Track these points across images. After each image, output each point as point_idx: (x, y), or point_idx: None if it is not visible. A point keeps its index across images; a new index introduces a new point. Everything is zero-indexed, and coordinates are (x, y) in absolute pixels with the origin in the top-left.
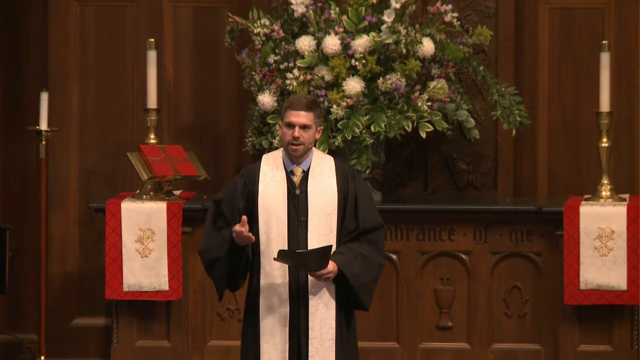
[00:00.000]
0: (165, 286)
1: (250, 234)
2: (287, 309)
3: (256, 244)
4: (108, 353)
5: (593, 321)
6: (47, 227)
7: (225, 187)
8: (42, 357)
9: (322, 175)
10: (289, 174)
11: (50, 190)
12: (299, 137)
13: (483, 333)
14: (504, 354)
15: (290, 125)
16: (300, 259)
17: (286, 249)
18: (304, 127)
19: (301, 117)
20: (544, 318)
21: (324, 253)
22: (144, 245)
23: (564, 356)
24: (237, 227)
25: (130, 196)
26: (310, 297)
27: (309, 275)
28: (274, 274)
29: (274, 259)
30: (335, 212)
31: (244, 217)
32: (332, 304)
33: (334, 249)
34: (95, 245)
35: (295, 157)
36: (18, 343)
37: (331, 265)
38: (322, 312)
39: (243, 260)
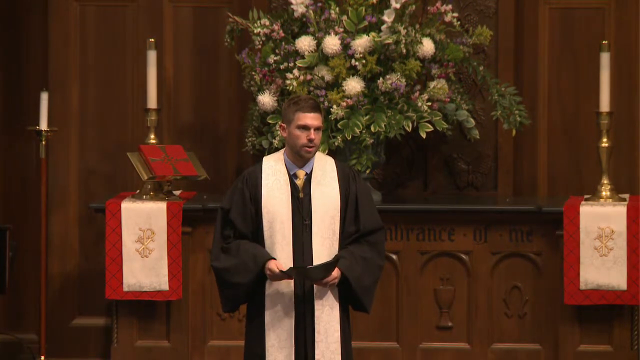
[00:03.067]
0: (165, 286)
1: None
2: (293, 312)
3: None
4: (108, 353)
5: (593, 321)
6: (47, 227)
7: (231, 194)
8: (42, 357)
9: (325, 178)
10: (292, 177)
11: (50, 190)
12: (314, 139)
13: (483, 333)
14: (504, 354)
15: (305, 128)
16: (309, 273)
17: (294, 265)
18: (318, 128)
19: (315, 119)
20: (544, 318)
21: (332, 265)
22: (144, 245)
23: (564, 356)
24: (276, 270)
25: (130, 196)
26: (315, 300)
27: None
28: None
29: (281, 272)
30: (338, 214)
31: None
32: (337, 306)
33: (336, 251)
34: (95, 245)
35: (307, 159)
36: (18, 343)
37: (335, 272)
38: (327, 314)
39: (262, 285)
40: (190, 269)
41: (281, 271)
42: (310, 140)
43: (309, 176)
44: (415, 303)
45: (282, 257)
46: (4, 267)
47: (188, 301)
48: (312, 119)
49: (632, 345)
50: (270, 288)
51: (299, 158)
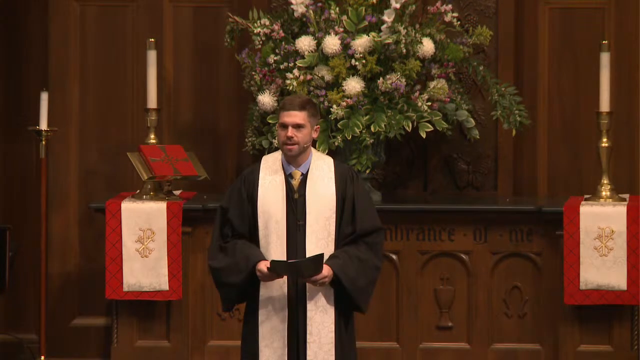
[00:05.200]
0: (165, 286)
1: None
2: (285, 313)
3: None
4: (108, 353)
5: (593, 321)
6: (47, 227)
7: (229, 194)
8: (42, 357)
9: (321, 179)
10: (288, 177)
11: (50, 190)
12: (292, 137)
13: (483, 333)
14: (504, 354)
15: (284, 126)
16: (293, 268)
17: (278, 259)
18: (297, 126)
19: (293, 116)
20: (544, 318)
21: (316, 261)
22: (144, 245)
23: (564, 356)
24: (265, 270)
25: (130, 196)
26: (307, 302)
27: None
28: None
29: (268, 268)
30: (334, 215)
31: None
32: (331, 309)
33: (332, 252)
34: (95, 245)
35: (291, 157)
36: (18, 343)
37: (326, 270)
38: (321, 316)
39: (258, 285)
40: (190, 269)
41: (268, 269)
42: (289, 138)
43: (305, 176)
44: (415, 303)
45: (276, 257)
46: (4, 267)
47: (188, 301)
48: (289, 116)
49: (632, 345)
50: (264, 288)
51: (292, 158)
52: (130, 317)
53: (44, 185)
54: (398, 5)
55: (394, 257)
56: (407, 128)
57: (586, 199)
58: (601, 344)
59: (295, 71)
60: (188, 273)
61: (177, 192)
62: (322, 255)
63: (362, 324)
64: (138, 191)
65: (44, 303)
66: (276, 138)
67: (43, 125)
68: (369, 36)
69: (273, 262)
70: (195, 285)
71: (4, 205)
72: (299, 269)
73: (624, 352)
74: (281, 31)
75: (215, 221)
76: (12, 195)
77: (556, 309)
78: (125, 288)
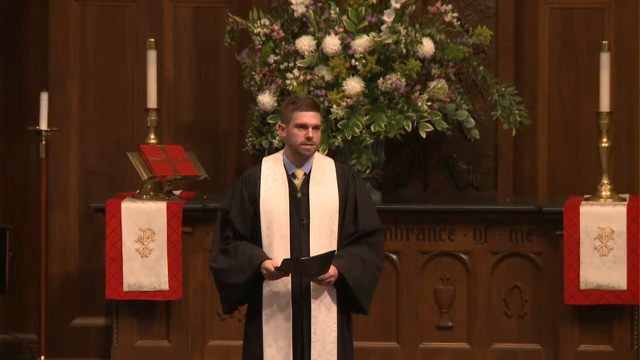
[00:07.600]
0: (165, 286)
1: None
2: (290, 313)
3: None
4: (108, 353)
5: (593, 321)
6: (47, 227)
7: (230, 195)
8: (42, 357)
9: (324, 178)
10: (291, 177)
11: (50, 190)
12: (312, 137)
13: (483, 333)
14: (504, 354)
15: (304, 127)
16: (303, 266)
17: (289, 257)
18: (316, 127)
19: (313, 117)
20: (544, 318)
21: (326, 259)
22: (144, 245)
23: (564, 356)
24: (272, 269)
25: (130, 196)
26: (312, 300)
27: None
28: None
29: (276, 268)
30: (337, 214)
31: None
32: (334, 307)
33: (336, 251)
34: (95, 245)
35: (306, 157)
36: (18, 343)
37: (332, 270)
38: (324, 315)
39: (260, 285)
40: (190, 269)
41: (276, 268)
42: (309, 139)
43: (307, 176)
44: (415, 303)
45: (280, 256)
46: (4, 267)
47: (188, 301)
48: (310, 117)
49: (632, 345)
50: (267, 288)
51: (298, 158)
52: (130, 317)
53: (44, 185)
54: (398, 5)
55: (394, 257)
56: (407, 128)
57: (586, 199)
58: (601, 344)
59: (295, 71)
60: (188, 273)
61: (177, 192)
62: (333, 252)
63: (362, 324)
64: (138, 191)
65: (44, 303)
66: (278, 136)
67: (43, 125)
68: (369, 36)
69: (285, 260)
70: (195, 285)
71: (4, 205)
72: (309, 266)
73: (624, 352)
74: (281, 31)
75: (216, 224)
76: (12, 195)
77: (556, 309)
78: (125, 288)
